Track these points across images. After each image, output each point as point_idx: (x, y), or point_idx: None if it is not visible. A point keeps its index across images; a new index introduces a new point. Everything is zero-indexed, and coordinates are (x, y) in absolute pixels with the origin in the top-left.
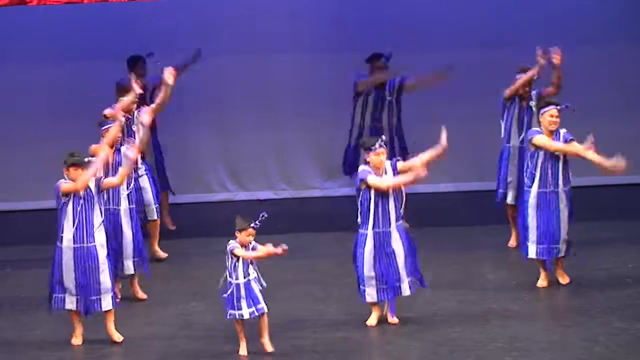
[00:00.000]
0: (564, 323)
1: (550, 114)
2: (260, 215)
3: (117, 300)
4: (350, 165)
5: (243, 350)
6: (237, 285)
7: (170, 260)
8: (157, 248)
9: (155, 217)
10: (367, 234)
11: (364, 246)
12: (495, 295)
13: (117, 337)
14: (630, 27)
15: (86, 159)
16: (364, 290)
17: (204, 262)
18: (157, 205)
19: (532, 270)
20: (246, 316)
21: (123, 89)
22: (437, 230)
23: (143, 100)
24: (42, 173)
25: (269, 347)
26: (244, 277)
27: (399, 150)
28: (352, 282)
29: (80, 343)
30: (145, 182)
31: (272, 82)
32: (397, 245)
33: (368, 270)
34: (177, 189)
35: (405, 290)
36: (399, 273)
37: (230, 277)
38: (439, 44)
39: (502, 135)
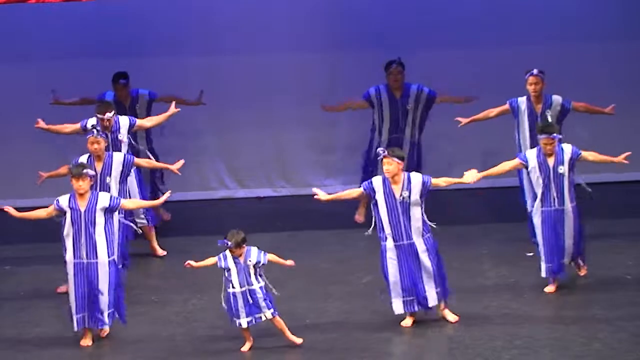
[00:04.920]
0: (564, 321)
1: (543, 142)
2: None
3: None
4: (367, 173)
5: (245, 348)
6: (234, 294)
7: (171, 258)
8: (155, 246)
9: (146, 223)
10: (386, 246)
11: (386, 259)
12: (495, 294)
13: (103, 330)
14: (630, 26)
15: (85, 171)
16: (392, 302)
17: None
18: (147, 214)
19: (532, 269)
20: (244, 325)
21: (102, 104)
22: (437, 228)
23: (123, 110)
24: (41, 171)
25: (297, 341)
26: (241, 287)
27: (414, 163)
28: (352, 280)
29: (89, 344)
30: (134, 192)
31: (272, 80)
32: (425, 258)
33: (393, 282)
34: (177, 186)
35: (432, 301)
36: (424, 285)
37: (227, 286)
38: (438, 43)
39: (517, 148)
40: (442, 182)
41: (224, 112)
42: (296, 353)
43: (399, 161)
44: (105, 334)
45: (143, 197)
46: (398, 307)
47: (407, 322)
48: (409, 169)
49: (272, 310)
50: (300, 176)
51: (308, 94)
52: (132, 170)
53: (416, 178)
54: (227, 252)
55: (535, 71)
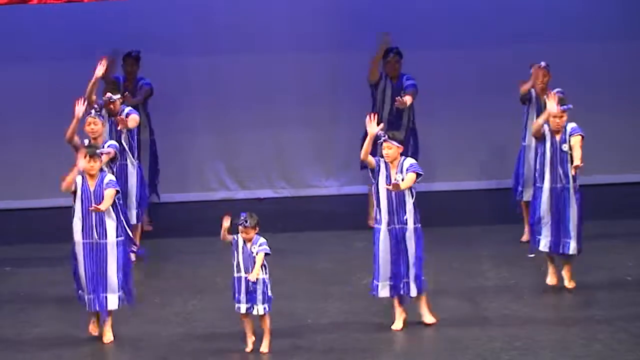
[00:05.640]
0: (564, 322)
1: (553, 115)
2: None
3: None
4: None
5: (249, 347)
6: (238, 278)
7: (170, 259)
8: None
9: (135, 222)
10: (380, 229)
11: (379, 242)
12: (495, 294)
13: (108, 338)
14: (630, 25)
15: (99, 151)
16: (377, 286)
17: (204, 261)
18: (139, 209)
19: (532, 270)
20: (243, 310)
21: (109, 85)
22: (437, 229)
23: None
24: (41, 171)
25: (264, 348)
26: (245, 273)
27: (412, 149)
28: (353, 281)
29: (97, 333)
30: (132, 183)
31: (272, 80)
32: (411, 244)
33: (383, 266)
34: (177, 187)
35: (413, 291)
36: (408, 272)
37: (233, 270)
38: (438, 43)
39: (522, 133)
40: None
41: (224, 112)
42: (296, 354)
43: (399, 145)
44: (109, 341)
45: (141, 195)
46: (384, 291)
47: (398, 324)
48: (406, 154)
49: (265, 305)
50: (300, 177)
51: (308, 94)
52: (134, 165)
53: (407, 163)
54: (240, 236)
55: (543, 64)
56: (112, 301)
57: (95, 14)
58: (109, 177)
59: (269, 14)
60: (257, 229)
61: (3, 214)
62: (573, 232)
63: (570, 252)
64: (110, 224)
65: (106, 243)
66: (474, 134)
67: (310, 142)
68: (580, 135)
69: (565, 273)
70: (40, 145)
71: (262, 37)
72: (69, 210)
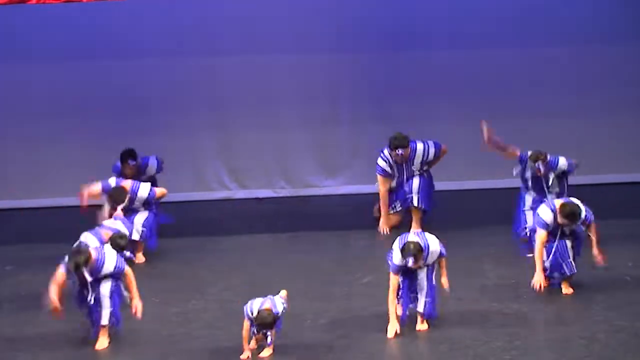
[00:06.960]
0: (564, 321)
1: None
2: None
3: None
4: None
5: (250, 347)
6: None
7: (170, 259)
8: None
9: (138, 238)
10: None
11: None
12: (495, 294)
13: (100, 345)
14: (630, 27)
15: (79, 271)
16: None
17: (204, 261)
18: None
19: (532, 269)
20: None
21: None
22: (437, 229)
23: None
24: (40, 171)
25: (263, 354)
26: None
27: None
28: (353, 280)
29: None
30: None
31: (272, 81)
32: (422, 278)
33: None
34: (177, 187)
35: (420, 307)
36: (417, 295)
37: None
38: (438, 44)
39: (521, 184)
40: (442, 267)
41: (224, 112)
42: (296, 353)
43: (421, 262)
44: (102, 347)
45: (149, 228)
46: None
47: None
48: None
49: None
50: (300, 177)
51: (308, 94)
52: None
53: (434, 249)
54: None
55: (541, 169)
56: (105, 318)
57: (95, 14)
58: (111, 261)
59: (269, 15)
60: (275, 323)
61: (3, 213)
62: (570, 257)
63: (569, 274)
64: (106, 286)
65: (99, 298)
66: (474, 134)
67: (309, 142)
68: (593, 223)
69: (563, 282)
70: (40, 145)
71: (263, 38)
72: (69, 210)
